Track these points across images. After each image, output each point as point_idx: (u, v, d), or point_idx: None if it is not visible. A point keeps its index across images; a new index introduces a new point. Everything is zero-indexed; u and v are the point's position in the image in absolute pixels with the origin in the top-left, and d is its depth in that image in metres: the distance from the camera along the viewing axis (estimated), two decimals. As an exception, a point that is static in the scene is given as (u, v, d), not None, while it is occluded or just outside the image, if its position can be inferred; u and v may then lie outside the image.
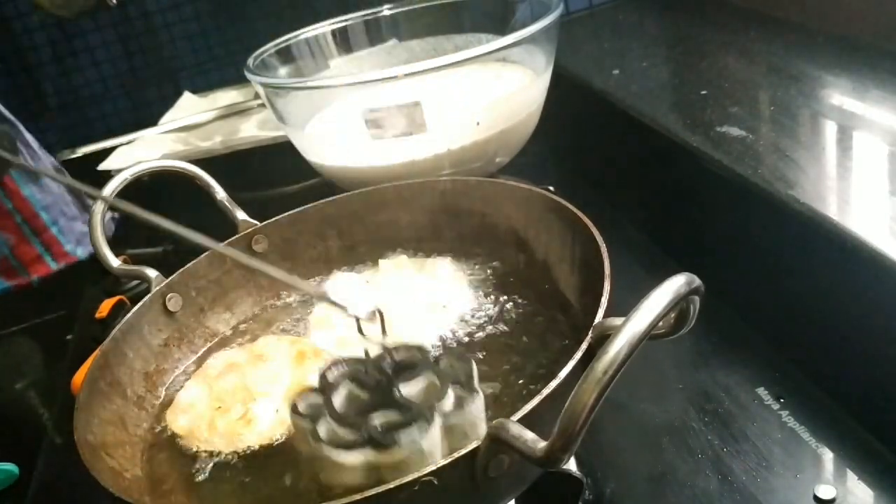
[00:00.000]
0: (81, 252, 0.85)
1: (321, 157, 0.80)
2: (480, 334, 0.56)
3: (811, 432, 0.52)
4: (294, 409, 0.42)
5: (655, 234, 0.78)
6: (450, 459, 0.36)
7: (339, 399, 0.43)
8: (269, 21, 1.27)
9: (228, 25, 1.31)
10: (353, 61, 0.93)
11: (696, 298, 0.36)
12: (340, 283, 0.64)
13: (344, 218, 0.67)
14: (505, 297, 0.59)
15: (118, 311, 0.77)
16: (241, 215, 0.66)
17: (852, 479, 0.48)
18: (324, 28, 0.91)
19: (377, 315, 0.45)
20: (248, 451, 0.50)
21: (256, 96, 1.09)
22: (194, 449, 0.51)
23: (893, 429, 0.50)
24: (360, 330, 0.45)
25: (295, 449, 0.49)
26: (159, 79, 1.32)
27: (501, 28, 0.87)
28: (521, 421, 0.35)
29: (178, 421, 0.53)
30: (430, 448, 0.40)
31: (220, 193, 0.68)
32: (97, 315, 0.77)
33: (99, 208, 0.63)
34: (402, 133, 0.71)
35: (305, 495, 0.45)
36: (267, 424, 0.52)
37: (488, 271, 0.63)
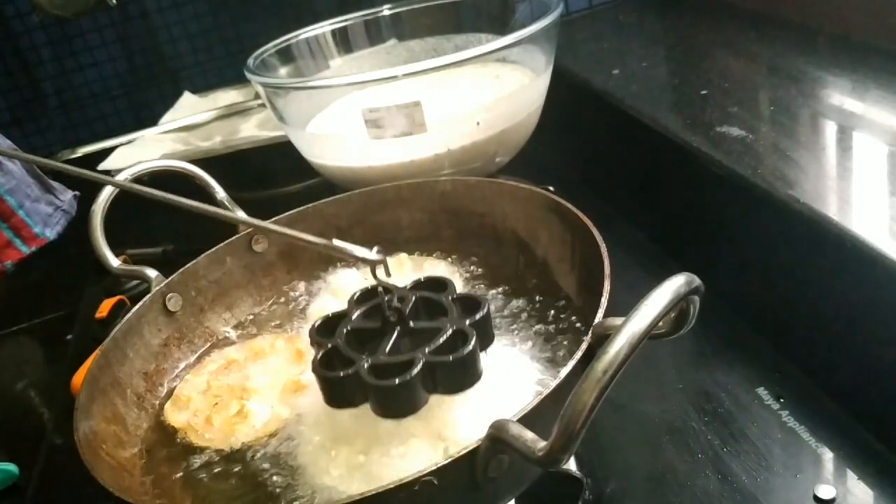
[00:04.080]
0: (50, 233, 0.83)
1: (321, 157, 0.80)
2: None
3: (811, 432, 0.52)
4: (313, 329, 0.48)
5: (655, 234, 0.78)
6: (450, 460, 0.36)
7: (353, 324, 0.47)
8: (269, 21, 1.27)
9: (228, 25, 1.32)
10: (353, 61, 0.93)
11: (696, 298, 0.36)
12: (339, 279, 0.64)
13: (344, 218, 0.67)
14: (504, 297, 0.59)
15: (118, 311, 0.77)
16: (241, 215, 0.66)
17: (852, 479, 0.48)
18: (324, 28, 0.91)
19: (382, 256, 0.46)
20: (245, 448, 0.50)
21: (256, 96, 1.09)
22: (192, 445, 0.51)
23: (893, 429, 0.50)
24: (373, 273, 0.46)
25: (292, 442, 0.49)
26: (159, 79, 1.33)
27: (501, 28, 0.87)
28: (521, 421, 0.35)
29: (176, 416, 0.54)
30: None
31: (220, 193, 0.68)
32: (97, 315, 0.77)
33: (98, 209, 0.63)
34: (402, 133, 0.71)
35: (303, 491, 0.45)
36: (263, 421, 0.52)
37: (488, 271, 0.63)
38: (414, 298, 0.47)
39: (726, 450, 0.52)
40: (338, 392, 0.45)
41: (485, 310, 0.46)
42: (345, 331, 0.47)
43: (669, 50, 0.97)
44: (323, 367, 0.45)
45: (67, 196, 0.75)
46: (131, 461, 0.50)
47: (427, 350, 0.43)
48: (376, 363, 0.44)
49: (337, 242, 0.45)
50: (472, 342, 0.43)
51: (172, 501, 0.48)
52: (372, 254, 0.46)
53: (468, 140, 0.74)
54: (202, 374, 0.57)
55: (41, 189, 0.84)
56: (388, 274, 0.47)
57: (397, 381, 0.42)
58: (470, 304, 0.47)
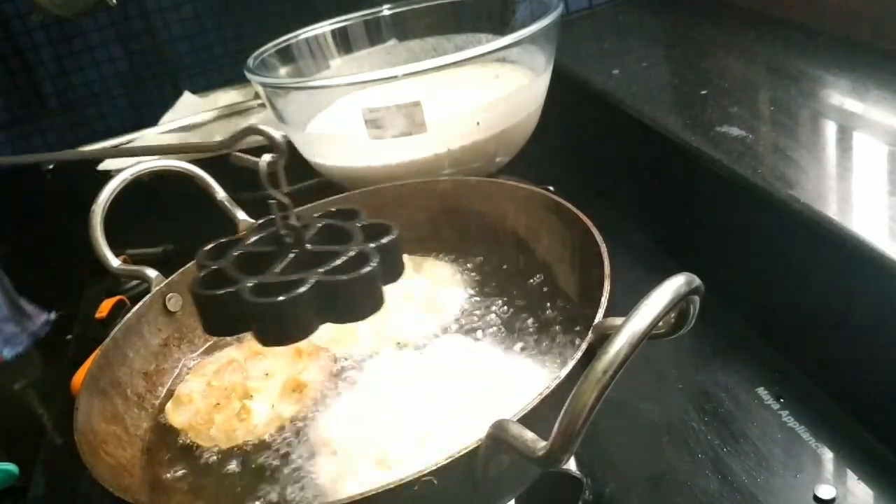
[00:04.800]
0: (8, 353, 0.81)
1: (321, 157, 0.80)
2: (480, 334, 0.55)
3: (811, 432, 0.52)
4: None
5: (655, 234, 0.78)
6: (450, 459, 0.36)
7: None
8: (268, 21, 1.27)
9: (228, 25, 1.31)
10: (353, 61, 0.93)
11: (696, 298, 0.36)
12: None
13: (344, 218, 0.67)
14: (505, 297, 0.59)
15: (118, 311, 0.77)
16: (241, 215, 0.66)
17: (852, 479, 0.48)
18: (324, 28, 0.91)
19: (275, 159, 0.43)
20: (245, 447, 0.50)
21: (256, 96, 1.09)
22: (193, 445, 0.52)
23: (893, 429, 0.50)
24: (263, 181, 0.42)
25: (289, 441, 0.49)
26: (159, 79, 1.32)
27: (501, 28, 0.87)
28: (521, 421, 0.35)
29: (177, 416, 0.54)
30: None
31: (220, 193, 0.68)
32: (97, 315, 0.77)
33: (98, 209, 0.63)
34: (402, 133, 0.71)
35: (303, 490, 0.45)
36: (263, 420, 0.52)
37: (488, 271, 0.63)
38: (318, 226, 0.43)
39: (726, 450, 0.52)
40: (215, 315, 0.40)
41: (393, 235, 0.42)
42: (234, 254, 0.41)
43: (669, 50, 0.97)
44: (201, 286, 0.39)
45: (40, 320, 0.74)
46: (131, 461, 0.50)
47: (321, 270, 0.38)
48: (261, 283, 0.38)
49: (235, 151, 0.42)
50: (373, 263, 0.39)
51: (173, 501, 0.48)
52: (263, 160, 0.41)
53: (468, 140, 0.74)
54: (203, 374, 0.57)
55: (11, 310, 0.81)
56: (280, 185, 0.42)
57: (281, 298, 0.37)
58: (378, 230, 0.42)
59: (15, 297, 0.79)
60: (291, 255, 0.41)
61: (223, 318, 0.40)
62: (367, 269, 0.39)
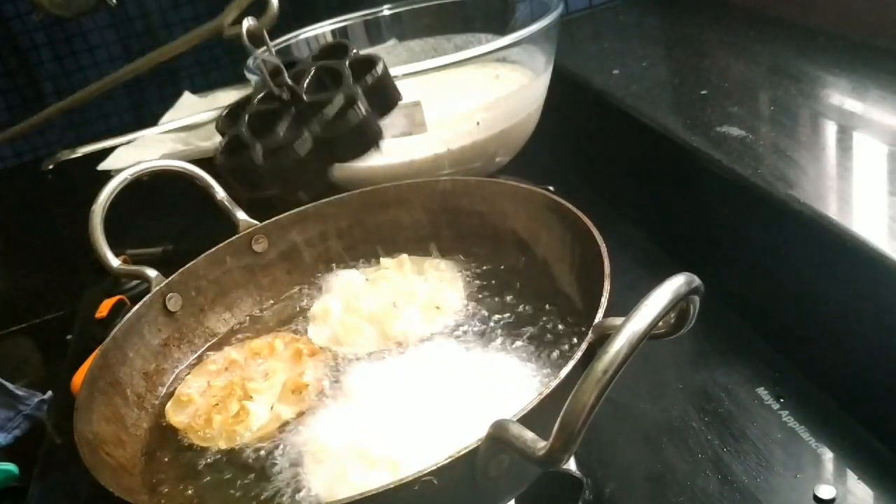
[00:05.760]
0: (3, 439, 0.80)
1: (321, 157, 0.80)
2: (480, 334, 0.55)
3: (811, 432, 0.52)
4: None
5: (655, 234, 0.78)
6: (450, 459, 0.36)
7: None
8: (268, 21, 1.27)
9: (228, 25, 1.31)
10: (353, 61, 0.93)
11: (696, 298, 0.36)
12: (341, 279, 0.64)
13: (344, 218, 0.67)
14: (504, 297, 0.59)
15: (118, 311, 0.77)
16: (241, 215, 0.66)
17: (852, 479, 0.48)
18: (324, 28, 0.91)
19: (253, 23, 0.45)
20: (245, 448, 0.50)
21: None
22: (192, 445, 0.52)
23: (893, 429, 0.50)
24: (246, 43, 0.46)
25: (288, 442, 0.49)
26: (159, 79, 1.33)
27: (501, 28, 0.87)
28: (521, 421, 0.35)
29: (177, 416, 0.54)
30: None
31: (220, 193, 0.68)
32: (97, 315, 0.77)
33: (98, 209, 0.63)
34: (402, 133, 0.71)
35: (301, 491, 0.45)
36: (262, 421, 0.52)
37: (488, 271, 0.63)
38: (313, 70, 0.47)
39: (726, 450, 0.52)
40: (241, 181, 0.45)
41: (379, 70, 0.46)
42: (246, 117, 0.47)
43: (669, 50, 0.97)
44: (226, 155, 0.45)
45: (34, 401, 0.74)
46: (131, 461, 0.50)
47: (317, 125, 0.43)
48: (268, 147, 0.44)
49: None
50: (360, 109, 0.44)
51: (173, 501, 0.48)
52: (246, 22, 0.45)
53: (468, 140, 0.74)
54: (202, 375, 0.57)
55: (2, 394, 0.80)
56: (269, 48, 0.46)
57: (290, 162, 0.43)
58: (365, 66, 0.46)
59: (4, 385, 0.78)
60: (293, 111, 0.46)
61: (247, 182, 0.47)
62: (355, 116, 0.44)
